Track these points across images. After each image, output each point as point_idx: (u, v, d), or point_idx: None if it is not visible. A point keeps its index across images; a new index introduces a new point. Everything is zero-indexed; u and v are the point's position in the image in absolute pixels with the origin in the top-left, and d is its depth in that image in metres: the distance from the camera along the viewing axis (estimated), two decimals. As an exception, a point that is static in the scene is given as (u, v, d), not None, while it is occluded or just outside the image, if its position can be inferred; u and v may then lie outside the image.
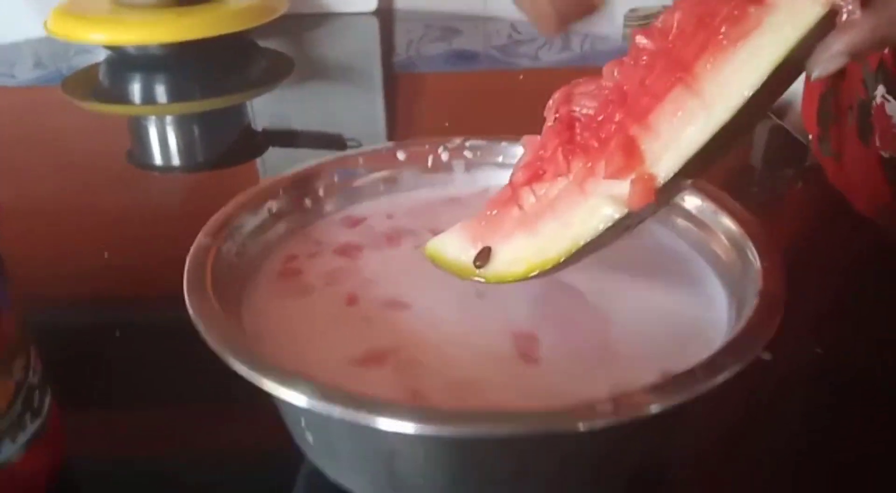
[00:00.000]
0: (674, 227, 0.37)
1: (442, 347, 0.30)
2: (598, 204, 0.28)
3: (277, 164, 0.70)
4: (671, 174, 0.27)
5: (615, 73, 0.29)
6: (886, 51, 0.46)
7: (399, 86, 0.92)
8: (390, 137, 0.78)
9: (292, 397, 0.25)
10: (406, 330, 0.31)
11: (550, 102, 0.31)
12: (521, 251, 0.30)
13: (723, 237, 0.34)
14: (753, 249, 0.31)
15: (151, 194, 0.64)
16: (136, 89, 0.89)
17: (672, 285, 0.34)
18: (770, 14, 0.25)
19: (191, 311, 0.28)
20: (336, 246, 0.37)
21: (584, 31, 0.99)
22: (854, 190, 0.53)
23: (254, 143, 0.74)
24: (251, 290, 0.34)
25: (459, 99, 0.84)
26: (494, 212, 0.31)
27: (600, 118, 0.28)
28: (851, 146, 0.52)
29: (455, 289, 0.33)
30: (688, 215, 0.36)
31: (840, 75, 0.53)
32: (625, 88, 0.28)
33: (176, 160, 0.76)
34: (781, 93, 0.27)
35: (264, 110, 0.82)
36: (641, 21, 1.04)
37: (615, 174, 0.27)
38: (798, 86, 0.61)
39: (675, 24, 0.27)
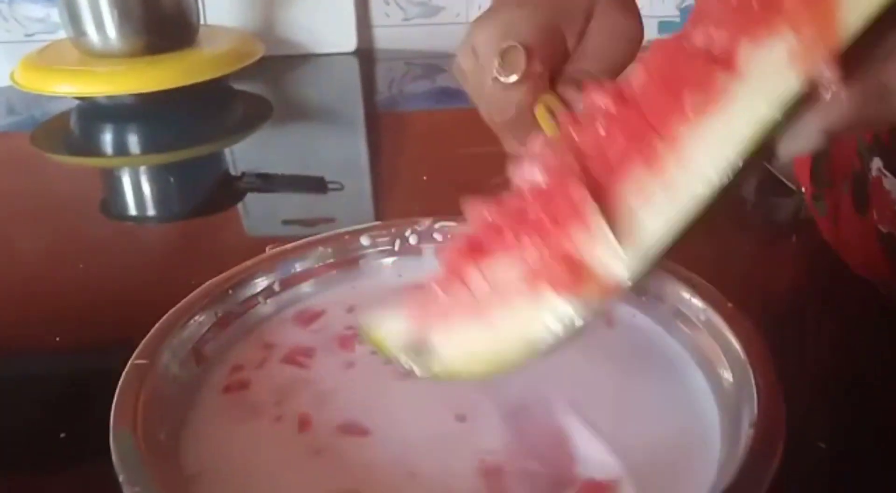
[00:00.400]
0: (668, 326, 0.34)
1: (404, 488, 0.27)
2: (557, 307, 0.25)
3: (259, 209, 0.68)
4: (635, 273, 0.24)
5: (572, 135, 0.26)
6: None
7: (381, 125, 0.90)
8: (373, 178, 0.76)
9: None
10: (364, 465, 0.28)
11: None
12: (471, 346, 0.26)
13: (717, 345, 0.31)
14: (749, 366, 0.28)
15: (128, 248, 0.61)
16: (108, 140, 0.86)
17: (662, 403, 0.31)
18: (741, 83, 0.22)
19: (115, 460, 0.25)
20: (286, 352, 0.33)
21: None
22: (850, 254, 0.50)
23: (233, 189, 0.72)
24: (194, 411, 0.31)
25: (443, 137, 0.82)
26: (440, 292, 0.27)
27: (554, 192, 0.25)
28: (847, 214, 0.49)
29: (420, 409, 0.30)
30: (681, 315, 0.33)
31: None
32: (580, 156, 0.25)
33: (153, 211, 0.74)
34: (754, 171, 0.23)
35: (244, 155, 0.80)
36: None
37: (564, 291, 0.24)
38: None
39: (639, 86, 0.24)
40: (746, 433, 0.26)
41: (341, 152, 0.81)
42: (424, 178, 0.68)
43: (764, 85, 0.22)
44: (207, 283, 0.35)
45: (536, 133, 0.28)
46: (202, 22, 0.91)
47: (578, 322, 0.25)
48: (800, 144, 0.23)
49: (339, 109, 0.94)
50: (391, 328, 0.29)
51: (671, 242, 0.24)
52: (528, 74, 0.29)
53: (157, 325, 0.32)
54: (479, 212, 0.27)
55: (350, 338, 0.34)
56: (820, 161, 0.53)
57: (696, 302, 0.32)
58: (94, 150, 0.85)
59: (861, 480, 0.35)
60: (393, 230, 0.39)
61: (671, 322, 0.34)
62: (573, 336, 0.25)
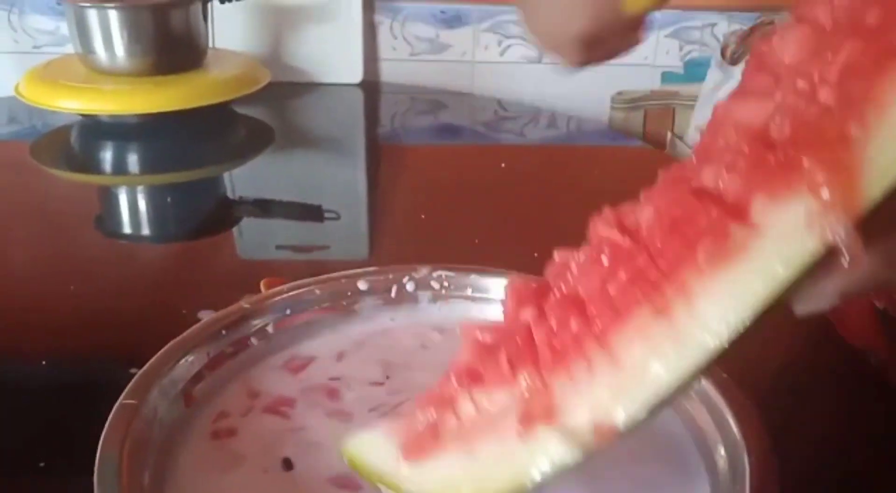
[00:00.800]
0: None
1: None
2: (549, 439, 0.24)
3: (254, 234, 0.68)
4: (633, 420, 0.23)
5: (573, 269, 0.25)
6: None
7: (382, 157, 0.90)
8: (370, 209, 0.76)
9: None
10: None
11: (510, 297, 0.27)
12: (455, 476, 0.25)
13: (712, 421, 0.30)
14: (744, 444, 0.28)
15: (119, 266, 0.61)
16: (108, 157, 0.86)
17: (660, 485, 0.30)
18: (756, 240, 0.22)
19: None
20: (270, 401, 0.33)
21: (569, 114, 0.98)
22: (847, 326, 0.50)
23: (230, 213, 0.72)
24: (181, 457, 0.30)
25: (443, 173, 0.82)
26: (427, 416, 0.27)
27: (554, 322, 0.25)
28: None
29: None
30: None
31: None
32: (583, 290, 0.24)
33: (147, 230, 0.74)
34: (765, 328, 0.22)
35: (243, 179, 0.80)
36: (628, 104, 1.02)
37: (557, 430, 0.23)
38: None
39: (646, 225, 0.24)
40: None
41: (340, 182, 0.82)
42: (423, 216, 0.68)
43: (781, 244, 0.22)
44: (200, 323, 0.34)
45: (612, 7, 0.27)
46: (211, 45, 0.92)
47: (569, 462, 0.24)
48: (815, 304, 0.23)
49: (341, 138, 0.94)
50: (372, 452, 0.28)
51: (673, 391, 0.23)
52: None
53: (147, 363, 0.31)
54: (473, 334, 0.27)
55: (337, 389, 0.34)
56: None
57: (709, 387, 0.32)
58: (93, 166, 0.84)
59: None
60: (391, 276, 0.39)
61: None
62: (564, 473, 0.24)
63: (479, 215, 0.68)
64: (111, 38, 0.83)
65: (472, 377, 0.26)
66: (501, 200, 0.72)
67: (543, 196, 0.73)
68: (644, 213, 0.24)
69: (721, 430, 0.30)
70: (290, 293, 0.37)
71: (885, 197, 0.21)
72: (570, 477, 0.26)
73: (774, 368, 0.49)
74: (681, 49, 1.03)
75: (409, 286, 0.39)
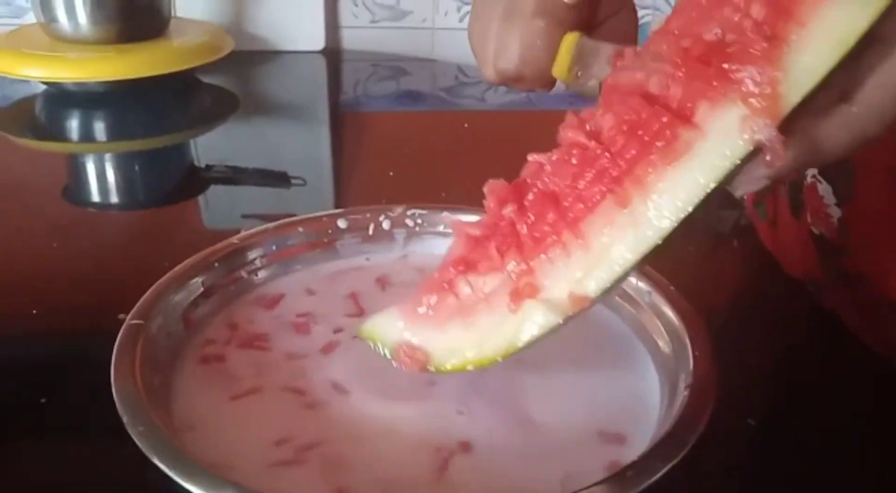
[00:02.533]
0: (612, 305, 0.38)
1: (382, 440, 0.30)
2: (533, 308, 0.28)
3: (220, 202, 0.69)
4: (602, 290, 0.28)
5: (547, 169, 0.29)
6: None
7: (345, 124, 0.91)
8: (335, 174, 0.78)
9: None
10: (350, 419, 0.31)
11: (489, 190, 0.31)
12: (459, 343, 0.30)
13: (658, 322, 0.34)
14: (687, 336, 0.32)
15: (88, 235, 0.62)
16: (73, 126, 0.86)
17: (608, 369, 0.34)
18: (700, 141, 0.26)
19: (118, 403, 0.27)
20: (245, 337, 0.36)
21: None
22: (787, 256, 0.55)
23: (196, 180, 0.73)
24: (180, 372, 0.33)
25: (406, 139, 0.84)
26: (430, 298, 0.31)
27: (533, 215, 0.29)
28: (785, 218, 0.54)
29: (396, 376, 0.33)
30: (626, 296, 0.37)
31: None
32: (556, 186, 0.29)
33: (115, 198, 0.74)
34: (707, 210, 0.27)
35: (208, 147, 0.81)
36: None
37: (540, 300, 0.28)
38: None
39: (606, 129, 0.28)
40: (682, 394, 0.29)
41: (305, 148, 0.83)
42: (391, 174, 0.70)
43: (719, 143, 0.26)
44: (195, 256, 0.37)
45: (543, 62, 0.31)
46: (173, 14, 0.93)
47: (553, 324, 0.29)
48: (749, 187, 0.28)
49: (304, 106, 0.96)
50: (384, 327, 0.32)
51: (634, 265, 0.28)
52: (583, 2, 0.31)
53: (148, 291, 0.34)
54: (464, 229, 0.31)
55: (305, 324, 0.37)
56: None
57: (642, 285, 0.36)
58: (60, 135, 0.85)
59: (782, 454, 0.40)
60: (368, 215, 0.42)
61: (616, 302, 0.38)
62: (548, 336, 0.29)
63: (444, 177, 0.71)
64: (73, 7, 0.83)
65: (467, 265, 0.30)
66: (464, 163, 0.74)
67: (505, 158, 0.76)
68: (605, 119, 0.28)
69: (667, 328, 0.34)
70: (276, 231, 0.40)
71: (802, 101, 0.26)
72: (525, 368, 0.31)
73: (719, 297, 0.53)
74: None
75: (386, 224, 0.42)
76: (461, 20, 1.05)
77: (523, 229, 0.29)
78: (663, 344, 0.34)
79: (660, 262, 0.39)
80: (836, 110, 0.27)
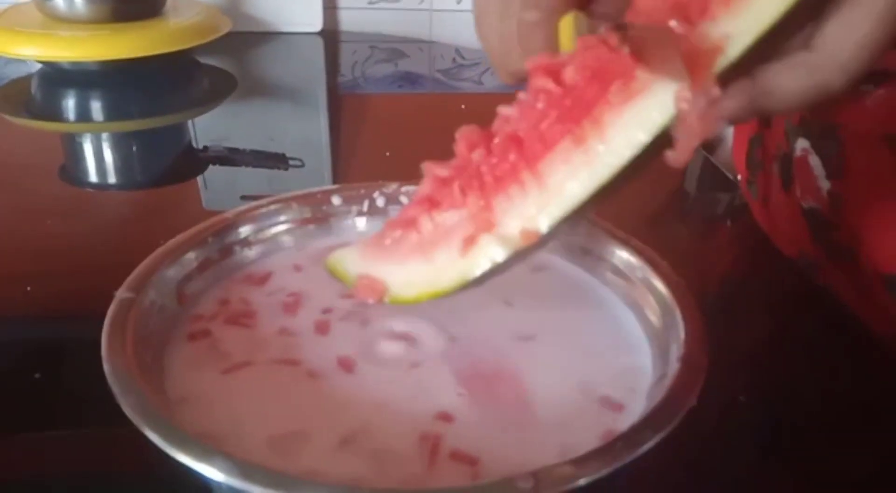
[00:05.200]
0: (605, 280, 0.38)
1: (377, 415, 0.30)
2: (486, 242, 0.30)
3: (218, 182, 0.70)
4: (554, 223, 0.29)
5: (514, 112, 0.30)
6: None
7: (343, 106, 0.91)
8: (333, 155, 0.78)
9: (211, 473, 0.24)
10: (348, 397, 0.31)
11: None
12: (415, 276, 0.31)
13: (650, 296, 0.35)
14: (678, 311, 0.32)
15: (84, 215, 0.62)
16: (69, 106, 0.86)
17: (601, 343, 0.34)
18: (654, 82, 0.27)
19: (108, 375, 0.28)
20: (231, 313, 0.36)
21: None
22: (779, 233, 0.55)
23: (194, 161, 0.73)
24: (172, 346, 0.33)
25: (403, 121, 0.84)
26: (395, 233, 0.32)
27: (496, 156, 0.30)
28: (776, 193, 0.54)
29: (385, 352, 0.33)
30: (618, 271, 0.37)
31: (766, 123, 0.55)
32: (521, 129, 0.29)
33: (112, 178, 0.74)
34: (660, 153, 0.28)
35: (206, 128, 0.81)
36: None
37: (493, 234, 0.29)
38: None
39: (571, 75, 0.28)
40: (674, 367, 0.29)
41: (303, 130, 0.83)
42: (387, 154, 0.70)
43: (668, 85, 0.27)
44: (189, 230, 0.37)
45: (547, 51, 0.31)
46: (170, -7, 0.92)
47: (501, 259, 0.30)
48: (695, 132, 0.27)
49: (302, 87, 0.96)
50: (348, 259, 0.33)
51: (586, 201, 0.29)
52: None
53: (141, 264, 0.34)
54: (433, 170, 0.32)
55: (294, 304, 0.37)
56: (754, 147, 0.57)
57: (634, 260, 0.36)
58: (56, 115, 0.85)
59: (769, 430, 0.40)
60: (362, 191, 0.42)
61: (608, 277, 0.38)
62: (498, 271, 0.30)
63: (441, 159, 0.70)
64: (69, -14, 0.83)
65: (432, 203, 0.31)
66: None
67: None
68: (571, 65, 0.29)
69: (658, 301, 0.34)
70: (270, 206, 0.40)
71: (757, 46, 0.27)
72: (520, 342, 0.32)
73: (713, 276, 0.53)
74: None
75: (380, 201, 0.42)
76: (459, 2, 1.05)
77: (486, 169, 0.30)
78: (655, 318, 0.34)
79: (654, 240, 0.40)
80: (794, 57, 0.27)
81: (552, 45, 0.31)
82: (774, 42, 0.27)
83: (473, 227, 0.30)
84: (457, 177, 0.31)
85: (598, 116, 0.28)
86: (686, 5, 0.28)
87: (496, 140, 0.30)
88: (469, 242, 0.30)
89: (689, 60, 0.27)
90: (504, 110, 0.30)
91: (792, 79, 0.27)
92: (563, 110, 0.29)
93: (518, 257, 0.30)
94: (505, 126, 0.30)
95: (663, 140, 0.27)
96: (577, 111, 0.28)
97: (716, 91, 0.27)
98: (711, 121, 0.27)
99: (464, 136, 0.31)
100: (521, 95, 0.30)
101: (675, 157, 0.27)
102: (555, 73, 0.29)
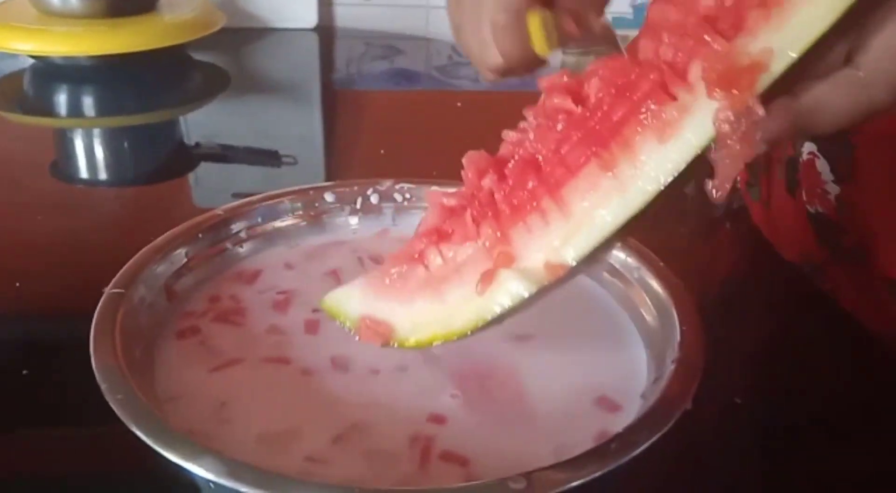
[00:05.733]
0: (601, 281, 0.38)
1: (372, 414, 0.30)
2: (507, 278, 0.27)
3: (210, 180, 0.69)
4: (581, 256, 0.27)
5: (530, 135, 0.28)
6: None
7: (338, 103, 0.91)
8: (327, 153, 0.77)
9: (199, 472, 0.24)
10: (339, 394, 0.31)
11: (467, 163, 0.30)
12: (426, 316, 0.29)
13: (647, 297, 0.34)
14: (675, 312, 0.32)
15: (75, 211, 0.61)
16: (62, 101, 0.86)
17: (597, 344, 0.34)
18: (694, 101, 0.25)
19: (96, 371, 0.27)
20: (221, 310, 0.36)
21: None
22: (781, 237, 0.54)
23: (186, 158, 0.72)
24: (161, 343, 0.33)
25: (399, 118, 0.84)
26: (399, 269, 0.30)
27: (512, 182, 0.28)
28: (779, 197, 0.54)
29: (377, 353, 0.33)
30: (615, 271, 0.37)
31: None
32: (539, 152, 0.28)
33: (104, 174, 0.74)
34: (695, 176, 0.26)
35: (198, 124, 0.81)
36: (579, 49, 1.05)
37: (513, 268, 0.27)
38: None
39: (593, 93, 0.27)
40: (669, 368, 0.29)
41: (296, 127, 0.82)
42: (382, 151, 0.70)
43: (707, 106, 0.25)
44: (180, 226, 0.37)
45: (521, 49, 0.30)
46: (164, -12, 0.92)
47: (525, 294, 0.27)
48: (738, 155, 0.26)
49: (296, 84, 0.95)
50: (348, 299, 0.31)
51: (616, 232, 0.27)
52: None
53: (131, 260, 0.34)
54: (438, 199, 0.30)
55: (284, 302, 0.36)
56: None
57: (630, 261, 0.36)
58: (48, 110, 0.84)
59: (766, 432, 0.40)
60: (356, 188, 0.41)
61: (605, 277, 0.37)
62: (520, 308, 0.28)
63: (436, 156, 0.70)
64: (62, -21, 0.82)
65: (440, 236, 0.29)
66: (457, 143, 0.73)
67: (498, 137, 0.75)
68: (591, 83, 0.27)
69: (654, 302, 0.34)
70: (263, 203, 0.40)
71: (798, 65, 0.25)
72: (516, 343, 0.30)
73: (711, 279, 0.53)
74: (630, -5, 1.06)
75: (374, 198, 0.42)
76: (456, -1, 1.04)
77: (500, 197, 0.28)
78: (651, 319, 0.34)
79: (651, 243, 0.39)
80: (840, 75, 0.25)
81: (525, 44, 0.30)
82: (815, 58, 0.25)
83: (491, 261, 0.27)
84: (467, 206, 0.29)
85: (628, 138, 0.26)
86: (715, 18, 0.25)
87: (510, 165, 0.28)
88: (487, 278, 0.27)
89: (730, 78, 0.25)
90: (511, 135, 0.29)
91: (838, 96, 0.25)
92: (587, 132, 0.26)
93: (542, 293, 0.27)
94: (517, 150, 0.28)
95: (698, 167, 0.26)
96: (604, 133, 0.26)
97: (760, 111, 0.25)
98: (753, 143, 0.25)
99: (471, 161, 0.29)
100: (530, 118, 0.29)
101: (717, 185, 0.25)
102: (574, 93, 0.27)
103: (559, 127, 0.27)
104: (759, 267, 0.55)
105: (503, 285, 0.27)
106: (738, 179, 0.61)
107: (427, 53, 1.03)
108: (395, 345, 0.29)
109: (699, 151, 0.25)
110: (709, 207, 0.66)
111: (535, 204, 0.27)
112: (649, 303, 0.34)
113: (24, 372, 0.41)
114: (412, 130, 0.77)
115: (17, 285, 0.49)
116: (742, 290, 0.52)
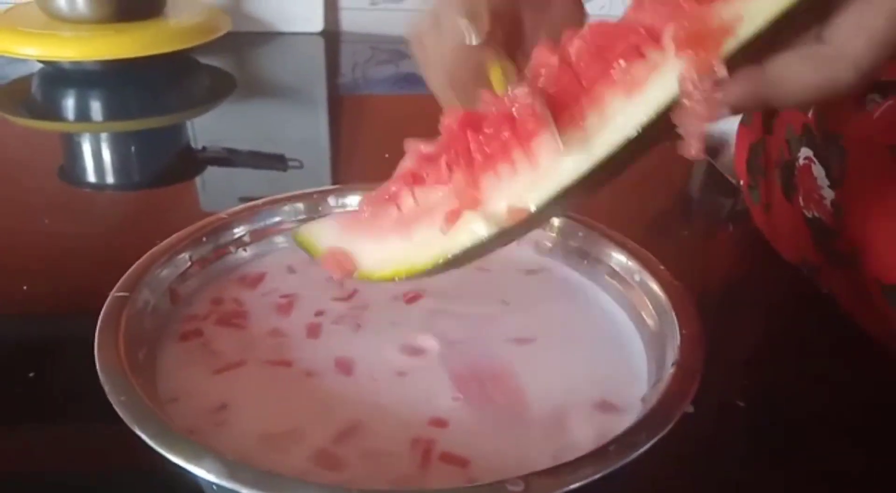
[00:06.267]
0: (601, 283, 0.38)
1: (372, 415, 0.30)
2: (470, 219, 0.28)
3: (217, 183, 0.69)
4: (543, 202, 0.27)
5: (510, 93, 0.29)
6: (811, 115, 0.48)
7: (343, 107, 0.91)
8: (333, 157, 0.77)
9: (200, 472, 0.24)
10: (342, 396, 0.31)
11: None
12: (391, 253, 0.30)
13: (647, 300, 0.34)
14: (675, 315, 0.32)
15: (82, 214, 0.62)
16: (69, 105, 0.86)
17: (598, 346, 0.34)
18: (664, 61, 0.26)
19: (100, 373, 0.27)
20: (223, 313, 0.36)
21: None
22: (780, 239, 0.54)
23: (193, 162, 0.73)
24: (165, 346, 0.33)
25: (404, 122, 0.84)
26: (371, 208, 0.31)
27: (489, 131, 0.29)
28: (778, 201, 0.54)
29: (378, 350, 0.33)
30: (615, 274, 0.37)
31: (767, 130, 0.55)
32: (515, 108, 0.28)
33: (110, 178, 0.74)
34: (661, 139, 0.27)
35: (204, 128, 0.81)
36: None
37: (476, 211, 0.28)
38: (731, 128, 0.63)
39: (575, 53, 0.28)
40: (669, 371, 0.29)
41: (302, 131, 0.83)
42: (387, 156, 0.70)
43: (672, 68, 0.26)
44: (184, 230, 0.37)
45: (484, 94, 0.31)
46: (170, -7, 0.92)
47: (485, 235, 0.28)
48: (697, 119, 0.26)
49: (302, 88, 0.95)
50: (320, 232, 0.32)
51: (578, 181, 0.27)
52: (491, 36, 0.32)
53: (135, 263, 0.34)
54: (416, 146, 0.31)
55: (286, 306, 0.37)
56: (756, 153, 0.57)
57: (632, 264, 0.36)
58: (56, 114, 0.85)
59: (767, 434, 0.39)
60: (361, 192, 0.42)
61: (605, 280, 0.37)
62: (480, 251, 0.29)
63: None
64: (70, -15, 0.82)
65: (415, 179, 0.30)
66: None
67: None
68: (574, 44, 0.28)
69: (654, 305, 0.34)
70: (265, 207, 0.40)
71: (767, 37, 0.26)
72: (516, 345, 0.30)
73: (714, 280, 0.53)
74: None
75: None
76: (461, 3, 1.04)
77: (476, 147, 0.28)
78: (651, 322, 0.34)
79: (656, 244, 0.39)
80: (808, 48, 0.26)
81: (483, 93, 0.31)
82: (786, 32, 0.26)
83: (458, 203, 0.28)
84: (443, 153, 0.29)
85: (597, 93, 0.27)
86: None
87: (487, 117, 0.29)
88: (452, 217, 0.28)
89: (698, 40, 0.26)
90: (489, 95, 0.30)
91: (802, 70, 0.26)
92: (561, 87, 0.27)
93: (503, 237, 0.28)
94: (496, 105, 0.29)
95: (663, 126, 0.26)
96: (576, 88, 0.27)
97: (722, 72, 0.25)
98: (715, 105, 0.25)
99: (452, 112, 0.30)
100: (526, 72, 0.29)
101: (687, 147, 0.26)
102: (561, 52, 0.28)
103: (539, 82, 0.28)
104: (759, 268, 0.55)
105: (466, 226, 0.28)
106: (741, 182, 0.61)
107: (432, 57, 1.04)
108: (357, 277, 0.30)
109: (663, 108, 0.26)
110: (712, 210, 0.66)
111: (506, 154, 0.28)
112: (650, 306, 0.34)
113: (31, 374, 0.41)
114: (417, 134, 0.77)
115: (25, 287, 0.49)
116: (743, 291, 0.52)
